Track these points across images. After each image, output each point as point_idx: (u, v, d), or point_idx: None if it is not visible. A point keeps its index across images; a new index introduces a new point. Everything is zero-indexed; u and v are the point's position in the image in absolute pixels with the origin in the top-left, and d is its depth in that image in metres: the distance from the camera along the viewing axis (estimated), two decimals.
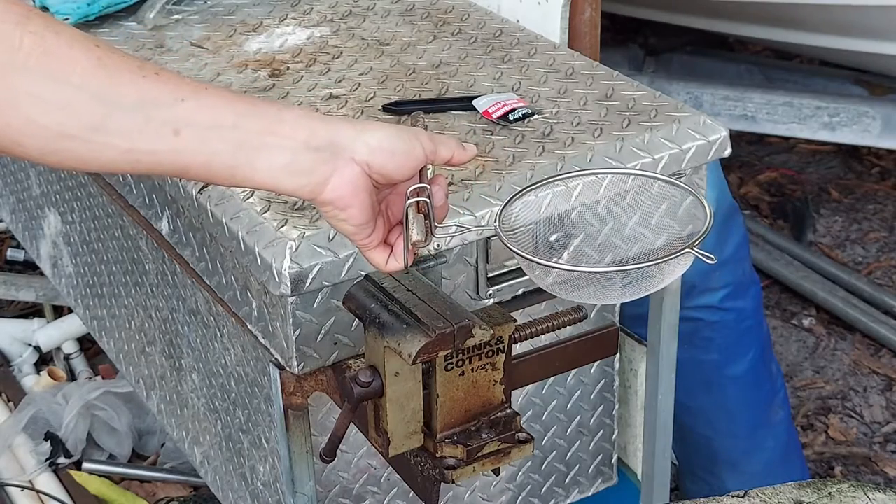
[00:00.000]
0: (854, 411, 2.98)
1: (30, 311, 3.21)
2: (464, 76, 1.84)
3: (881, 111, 3.44)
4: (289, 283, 1.45)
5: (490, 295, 1.65)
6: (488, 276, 1.65)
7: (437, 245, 1.52)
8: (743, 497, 1.35)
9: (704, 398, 2.36)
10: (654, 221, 1.43)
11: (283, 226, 1.49)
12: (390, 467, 1.65)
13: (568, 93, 1.79)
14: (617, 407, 2.00)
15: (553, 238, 1.44)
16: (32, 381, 2.88)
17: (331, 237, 1.47)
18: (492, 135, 1.68)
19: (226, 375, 1.76)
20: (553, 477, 1.98)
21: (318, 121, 1.15)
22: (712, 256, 1.24)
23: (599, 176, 1.49)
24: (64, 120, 1.05)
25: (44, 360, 3.01)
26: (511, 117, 1.70)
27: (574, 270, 1.28)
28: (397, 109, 1.74)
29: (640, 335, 1.96)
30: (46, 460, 2.59)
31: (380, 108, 1.76)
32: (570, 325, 1.54)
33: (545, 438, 1.94)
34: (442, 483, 1.41)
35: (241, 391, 1.73)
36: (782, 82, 3.88)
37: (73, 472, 2.59)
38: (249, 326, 1.62)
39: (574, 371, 1.90)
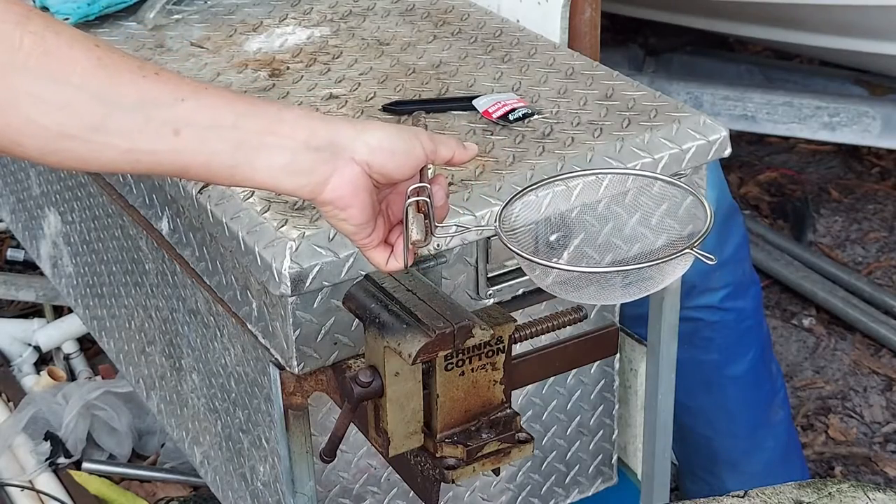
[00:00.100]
0: (854, 411, 2.98)
1: (30, 311, 3.21)
2: (464, 76, 1.84)
3: (881, 111, 3.44)
4: (289, 283, 1.45)
5: (490, 295, 1.65)
6: (488, 276, 1.65)
7: (437, 245, 1.52)
8: (743, 497, 1.35)
9: (704, 398, 2.36)
10: (654, 221, 1.43)
11: (283, 226, 1.49)
12: (390, 467, 1.65)
13: (568, 93, 1.79)
14: (617, 407, 2.00)
15: (553, 238, 1.44)
16: (32, 381, 2.88)
17: (331, 237, 1.47)
18: (492, 135, 1.68)
19: (226, 375, 1.76)
20: (553, 477, 1.98)
21: (318, 121, 1.15)
22: (712, 257, 1.24)
23: (599, 176, 1.49)
24: (64, 120, 1.05)
25: (44, 360, 3.01)
26: (511, 117, 1.70)
27: (574, 271, 1.28)
28: (397, 109, 1.74)
29: (640, 335, 1.96)
30: (46, 460, 2.59)
31: (380, 108, 1.76)
32: (570, 325, 1.54)
33: (545, 438, 1.94)
34: (442, 483, 1.41)
35: (241, 391, 1.73)
36: (782, 82, 3.88)
37: (73, 472, 2.59)
38: (249, 326, 1.62)
39: (574, 371, 1.90)
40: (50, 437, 2.62)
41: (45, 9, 1.97)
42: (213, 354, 1.79)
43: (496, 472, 1.44)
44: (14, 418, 2.66)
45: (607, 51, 2.33)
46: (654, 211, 1.42)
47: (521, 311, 1.68)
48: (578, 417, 1.96)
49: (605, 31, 2.09)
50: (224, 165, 1.11)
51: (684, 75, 3.80)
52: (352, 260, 1.47)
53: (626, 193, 1.48)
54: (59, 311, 3.11)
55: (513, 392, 1.43)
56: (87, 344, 3.01)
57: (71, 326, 2.97)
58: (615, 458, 2.04)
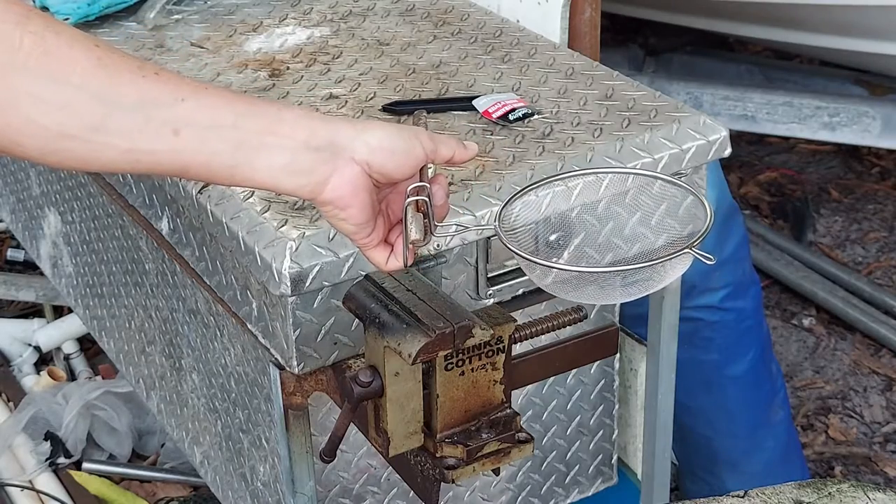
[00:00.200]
0: (854, 411, 2.98)
1: (30, 311, 3.21)
2: (464, 76, 1.84)
3: (881, 111, 3.44)
4: (289, 283, 1.45)
5: (490, 295, 1.65)
6: (488, 276, 1.65)
7: (438, 245, 1.52)
8: (743, 497, 1.35)
9: (704, 398, 2.36)
10: (654, 221, 1.43)
11: (283, 226, 1.49)
12: (390, 467, 1.65)
13: (568, 93, 1.79)
14: (617, 407, 2.00)
15: (553, 238, 1.44)
16: (32, 381, 2.88)
17: (331, 237, 1.47)
18: (492, 135, 1.68)
19: (226, 375, 1.76)
20: (553, 477, 1.98)
21: (318, 120, 1.15)
22: (711, 257, 1.23)
23: (599, 175, 1.49)
24: (64, 120, 1.05)
25: (44, 360, 3.01)
26: (511, 117, 1.70)
27: (573, 271, 1.28)
28: (397, 109, 1.74)
29: (640, 335, 1.96)
30: (46, 460, 2.59)
31: (380, 108, 1.76)
32: (570, 325, 1.54)
33: (545, 438, 1.94)
34: (442, 483, 1.41)
35: (241, 391, 1.73)
36: (782, 82, 3.88)
37: (73, 472, 2.59)
38: (249, 326, 1.62)
39: (574, 371, 1.90)
40: (50, 437, 2.62)
41: (45, 9, 1.97)
42: (213, 354, 1.79)
43: (496, 472, 1.44)
44: (14, 418, 2.66)
45: (607, 51, 2.33)
46: (654, 210, 1.42)
47: (521, 311, 1.68)
48: (578, 417, 1.96)
49: (605, 31, 2.09)
50: (224, 165, 1.11)
51: (684, 75, 3.80)
52: (352, 260, 1.47)
53: (626, 193, 1.48)
54: (59, 311, 3.11)
55: (513, 392, 1.43)
56: (87, 344, 3.01)
57: (71, 326, 2.97)
58: (615, 458, 2.04)
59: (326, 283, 1.47)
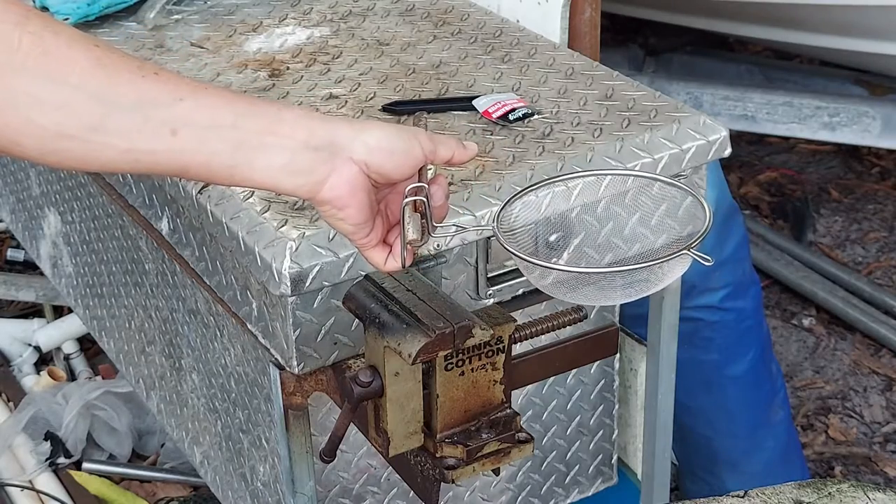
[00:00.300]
0: (854, 411, 2.98)
1: (30, 311, 3.21)
2: (464, 76, 1.84)
3: (881, 111, 3.44)
4: (289, 283, 1.45)
5: (490, 295, 1.65)
6: (488, 276, 1.65)
7: (437, 245, 1.52)
8: (743, 497, 1.35)
9: (704, 398, 2.36)
10: (653, 221, 1.43)
11: (283, 226, 1.49)
12: (390, 467, 1.65)
13: (568, 93, 1.78)
14: (617, 407, 2.00)
15: (553, 238, 1.44)
16: (32, 381, 2.88)
17: (331, 237, 1.47)
18: (492, 135, 1.68)
19: (226, 375, 1.76)
20: (553, 477, 1.98)
21: (317, 120, 1.15)
22: (709, 258, 1.23)
23: (599, 176, 1.49)
24: (62, 120, 1.05)
25: (44, 360, 3.01)
26: (511, 117, 1.70)
27: (571, 271, 1.28)
28: (397, 109, 1.74)
29: (640, 335, 1.96)
30: (46, 460, 2.59)
31: (380, 108, 1.76)
32: (570, 325, 1.54)
33: (545, 438, 1.94)
34: (442, 483, 1.41)
35: (241, 391, 1.73)
36: (782, 82, 3.88)
37: (73, 472, 2.59)
38: (249, 326, 1.62)
39: (574, 371, 1.90)
40: (50, 437, 2.62)
41: (44, 9, 1.97)
42: (213, 354, 1.79)
43: (496, 472, 1.44)
44: (14, 418, 2.66)
45: (607, 51, 2.33)
46: (653, 211, 1.42)
47: (521, 311, 1.68)
48: (578, 417, 1.96)
49: (605, 31, 2.09)
50: (223, 165, 1.11)
51: (684, 75, 3.80)
52: (352, 260, 1.47)
53: (625, 193, 1.48)
54: (59, 311, 3.11)
55: (513, 392, 1.43)
56: (87, 344, 3.01)
57: (71, 326, 2.97)
58: (615, 458, 2.04)
59: (326, 284, 1.47)
